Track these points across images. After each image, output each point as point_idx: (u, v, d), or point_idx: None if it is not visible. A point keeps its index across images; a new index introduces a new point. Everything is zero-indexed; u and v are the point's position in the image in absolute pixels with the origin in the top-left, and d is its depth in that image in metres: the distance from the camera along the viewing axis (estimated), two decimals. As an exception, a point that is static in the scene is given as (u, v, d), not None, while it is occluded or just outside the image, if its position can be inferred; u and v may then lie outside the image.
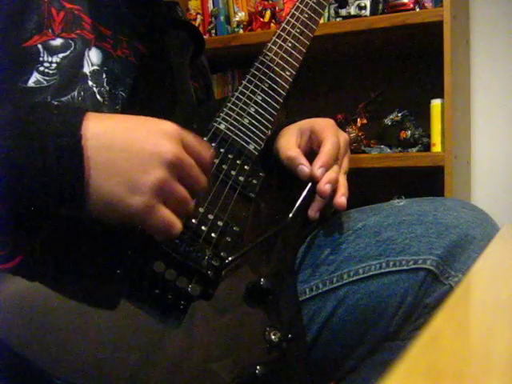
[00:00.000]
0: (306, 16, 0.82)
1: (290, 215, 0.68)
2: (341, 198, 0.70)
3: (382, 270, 0.70)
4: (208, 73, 0.94)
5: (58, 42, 0.65)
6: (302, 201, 0.70)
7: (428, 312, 0.68)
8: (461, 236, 0.67)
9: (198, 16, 1.97)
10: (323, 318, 0.73)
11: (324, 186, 0.69)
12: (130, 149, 0.50)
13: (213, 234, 0.61)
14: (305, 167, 0.70)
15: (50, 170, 0.48)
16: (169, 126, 0.53)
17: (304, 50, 0.81)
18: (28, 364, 0.47)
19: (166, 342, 0.53)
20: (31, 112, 0.50)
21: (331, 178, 0.69)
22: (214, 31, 1.96)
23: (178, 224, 0.52)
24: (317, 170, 0.69)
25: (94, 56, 0.68)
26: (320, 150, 0.71)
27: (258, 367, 0.56)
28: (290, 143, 0.74)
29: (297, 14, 0.81)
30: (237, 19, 1.91)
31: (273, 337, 0.59)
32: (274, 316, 0.62)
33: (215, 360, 0.55)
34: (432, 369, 0.23)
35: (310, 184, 0.70)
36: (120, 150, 0.50)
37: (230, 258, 0.60)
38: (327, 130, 0.73)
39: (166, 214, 0.51)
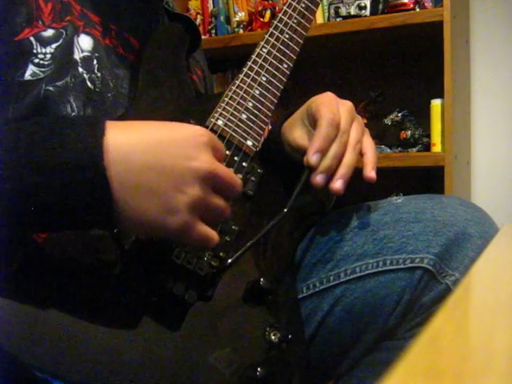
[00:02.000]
0: (303, 6, 0.79)
1: (285, 210, 0.65)
2: (335, 183, 0.66)
3: (379, 269, 0.70)
4: (205, 63, 0.92)
5: (49, 32, 0.64)
6: (299, 191, 0.66)
7: (424, 311, 0.68)
8: (458, 234, 0.67)
9: (198, 16, 1.97)
10: (320, 317, 0.73)
11: (316, 178, 0.65)
12: (162, 167, 0.48)
13: None
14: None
15: (78, 202, 0.47)
16: (199, 133, 0.51)
17: (301, 41, 0.78)
18: (26, 368, 0.46)
19: (164, 345, 0.53)
20: (48, 137, 0.47)
21: (325, 166, 0.65)
22: (213, 31, 1.96)
23: (214, 236, 0.52)
24: (311, 156, 0.65)
25: (83, 42, 0.67)
26: (314, 133, 0.67)
27: (258, 369, 0.56)
28: (304, 135, 0.71)
29: (294, 3, 0.79)
30: (237, 19, 1.91)
31: (273, 337, 0.59)
32: (274, 316, 0.62)
33: (216, 361, 0.55)
34: (432, 369, 0.23)
35: (306, 172, 0.67)
36: (151, 169, 0.48)
37: (229, 261, 0.60)
38: (321, 107, 0.68)
39: (203, 229, 0.51)
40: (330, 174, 0.66)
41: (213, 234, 0.52)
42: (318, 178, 0.65)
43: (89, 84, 0.65)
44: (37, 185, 0.46)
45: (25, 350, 0.47)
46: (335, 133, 0.66)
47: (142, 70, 0.71)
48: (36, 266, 0.53)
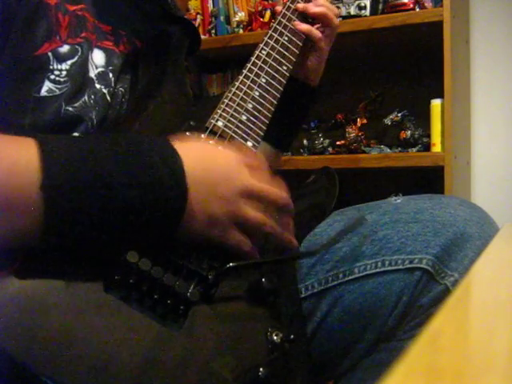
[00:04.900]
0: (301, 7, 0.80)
1: (315, 252, 0.72)
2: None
3: (378, 270, 0.70)
4: (198, 65, 0.93)
5: (65, 48, 0.65)
6: (331, 241, 0.72)
7: (423, 312, 0.68)
8: (457, 234, 0.67)
9: (198, 16, 1.97)
10: (319, 318, 0.73)
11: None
12: (216, 189, 0.58)
13: None
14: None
15: (158, 213, 0.54)
16: (236, 161, 0.61)
17: (300, 44, 0.79)
18: (26, 367, 0.46)
19: (167, 345, 0.53)
20: (137, 159, 0.54)
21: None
22: (213, 31, 1.96)
23: (247, 243, 0.61)
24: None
25: (97, 58, 0.67)
26: None
27: (261, 369, 0.56)
28: None
29: (292, 6, 0.79)
30: (237, 19, 1.90)
31: (275, 337, 0.59)
32: (276, 316, 0.62)
33: (218, 361, 0.55)
34: (432, 369, 0.23)
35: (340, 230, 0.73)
36: (209, 193, 0.58)
37: (230, 264, 0.60)
38: None
39: (237, 237, 0.60)
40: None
41: (244, 242, 0.61)
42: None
43: (108, 98, 0.66)
44: (129, 198, 0.53)
45: (25, 352, 0.47)
46: None
47: (142, 73, 0.71)
48: (37, 265, 0.52)
